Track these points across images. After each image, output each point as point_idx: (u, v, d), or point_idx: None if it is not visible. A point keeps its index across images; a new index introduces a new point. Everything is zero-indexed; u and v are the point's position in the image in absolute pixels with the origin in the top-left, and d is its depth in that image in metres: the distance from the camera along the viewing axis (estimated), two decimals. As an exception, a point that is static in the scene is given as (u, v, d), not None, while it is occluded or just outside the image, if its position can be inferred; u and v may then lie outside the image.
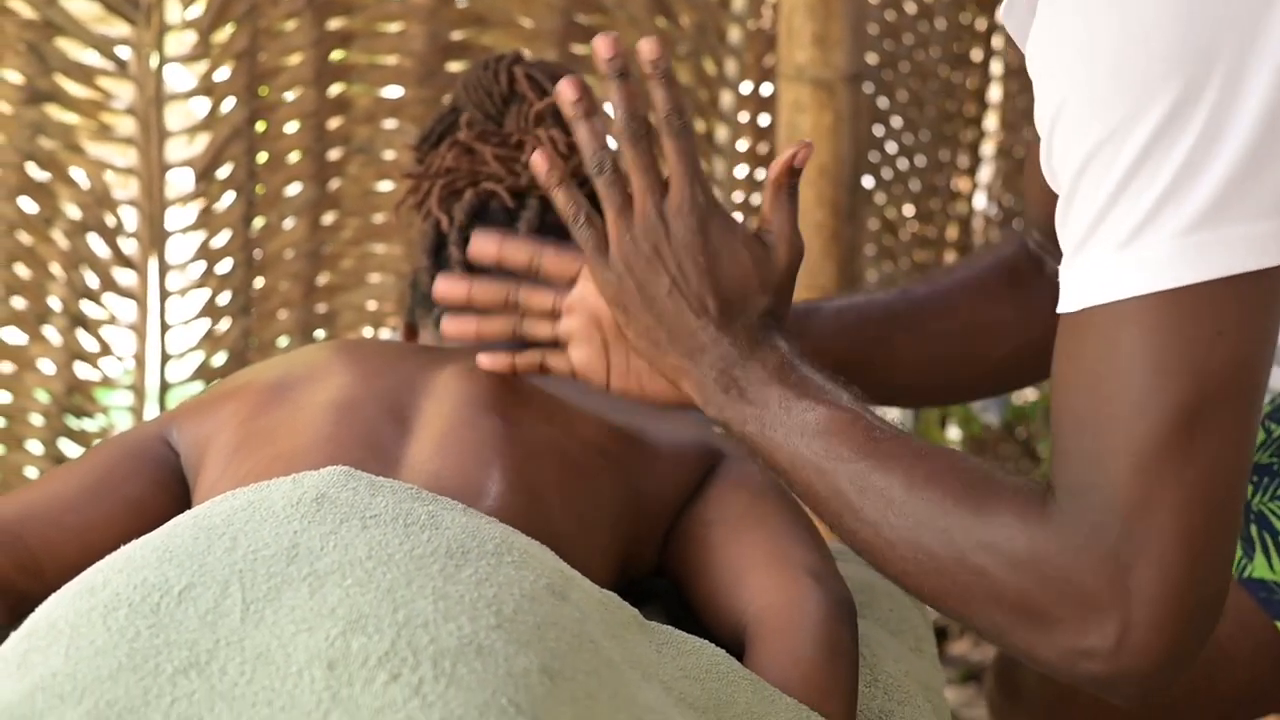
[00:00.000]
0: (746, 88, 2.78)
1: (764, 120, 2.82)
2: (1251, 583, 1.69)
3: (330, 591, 1.05)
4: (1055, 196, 1.51)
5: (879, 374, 1.60)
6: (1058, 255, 1.57)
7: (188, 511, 1.22)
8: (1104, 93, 1.14)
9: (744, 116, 2.79)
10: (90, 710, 0.98)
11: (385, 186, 2.47)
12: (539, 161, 1.42)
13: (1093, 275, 1.17)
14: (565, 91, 1.40)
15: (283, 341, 2.48)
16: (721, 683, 1.24)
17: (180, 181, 2.32)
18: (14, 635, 1.10)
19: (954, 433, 3.37)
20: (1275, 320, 1.17)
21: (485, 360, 1.49)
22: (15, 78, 2.18)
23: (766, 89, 2.80)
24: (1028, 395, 3.41)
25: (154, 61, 2.23)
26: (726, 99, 2.74)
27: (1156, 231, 1.13)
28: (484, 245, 1.50)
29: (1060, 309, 1.21)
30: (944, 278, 1.72)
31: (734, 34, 2.72)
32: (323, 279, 2.49)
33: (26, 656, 1.04)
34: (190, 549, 1.11)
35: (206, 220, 2.35)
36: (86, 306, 2.31)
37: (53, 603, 1.12)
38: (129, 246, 2.31)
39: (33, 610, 1.15)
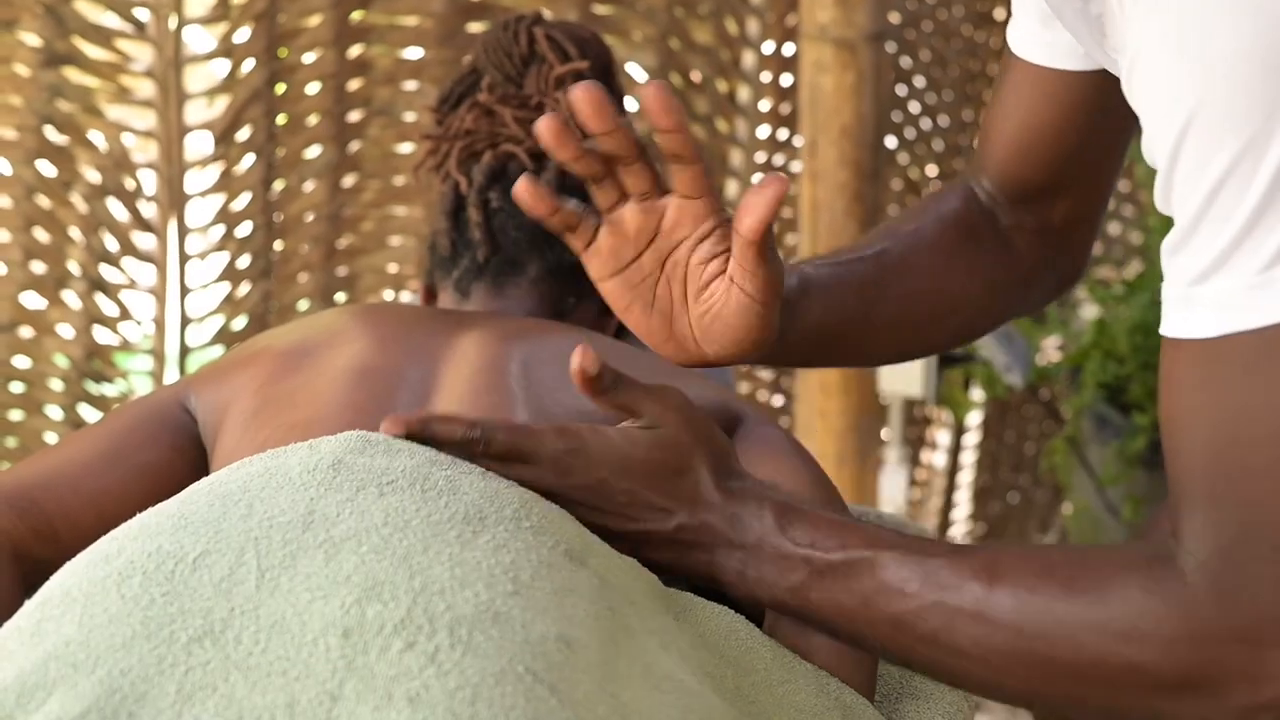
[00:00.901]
0: (769, 47, 2.77)
1: (786, 80, 2.80)
2: None
3: (346, 558, 1.04)
4: (1020, 147, 1.52)
5: (854, 343, 1.57)
6: (1008, 208, 1.59)
7: (203, 479, 1.21)
8: (1242, 102, 1.04)
9: (766, 76, 2.78)
10: (104, 679, 0.97)
11: (406, 148, 2.46)
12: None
13: (1229, 298, 1.05)
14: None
15: (303, 305, 2.47)
16: (741, 649, 1.23)
17: (199, 144, 2.31)
18: (28, 603, 1.09)
19: (977, 394, 3.36)
20: None
21: (526, 192, 1.30)
22: (33, 40, 2.18)
23: (789, 49, 2.78)
24: (1051, 356, 3.39)
25: (173, 23, 2.22)
26: (749, 59, 2.73)
27: None
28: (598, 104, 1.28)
29: (1177, 334, 1.10)
30: (905, 235, 1.63)
31: (756, -6, 2.71)
32: (343, 242, 2.48)
33: (40, 625, 1.04)
34: (205, 516, 1.10)
35: (226, 183, 2.35)
36: (106, 271, 2.30)
37: (67, 571, 1.11)
38: (148, 210, 2.31)
39: (48, 577, 1.14)
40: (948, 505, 3.48)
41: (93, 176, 2.26)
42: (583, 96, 1.25)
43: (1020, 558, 1.18)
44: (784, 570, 1.24)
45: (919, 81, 3.07)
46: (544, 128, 1.28)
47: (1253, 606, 1.06)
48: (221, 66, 2.32)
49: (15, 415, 2.33)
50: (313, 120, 2.40)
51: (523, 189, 1.30)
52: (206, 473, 1.42)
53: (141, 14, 2.21)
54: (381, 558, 1.04)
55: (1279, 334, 1.04)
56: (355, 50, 2.40)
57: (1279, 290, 1.03)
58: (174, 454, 1.43)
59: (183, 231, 2.32)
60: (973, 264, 1.59)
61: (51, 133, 2.22)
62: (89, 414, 2.35)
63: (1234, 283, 1.05)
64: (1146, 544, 1.14)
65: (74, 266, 2.29)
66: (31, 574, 1.31)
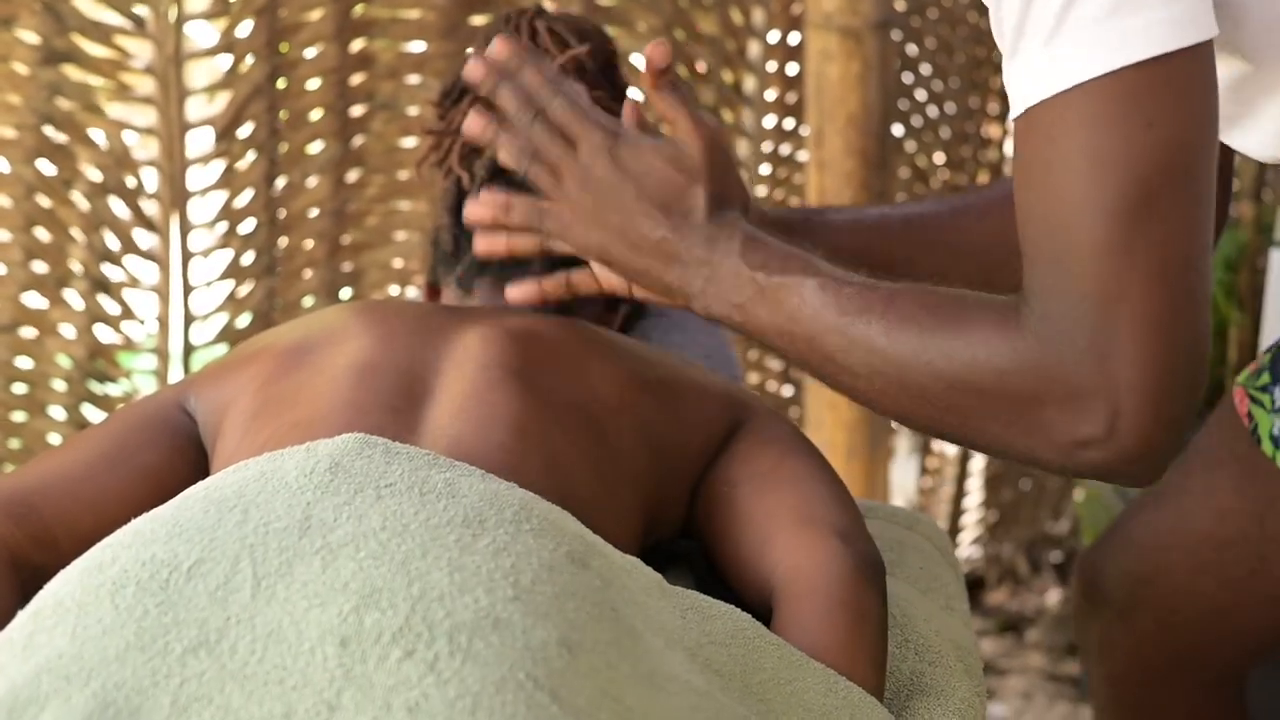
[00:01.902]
0: (774, 36, 2.75)
1: (792, 69, 2.79)
2: None
3: (343, 565, 1.03)
4: None
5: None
6: None
7: (199, 483, 1.20)
8: None
9: (772, 66, 2.76)
10: (97, 692, 0.96)
11: (409, 143, 2.45)
12: (472, 124, 1.51)
13: (1026, 76, 1.20)
14: (472, 73, 1.51)
15: (308, 301, 2.46)
16: (747, 648, 1.22)
17: (201, 141, 2.30)
18: (21, 614, 1.08)
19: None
20: (1208, 104, 1.21)
21: (514, 292, 1.58)
22: (32, 38, 2.16)
23: (794, 38, 2.76)
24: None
25: (173, 18, 2.21)
26: (754, 48, 2.71)
27: (1075, 20, 1.16)
28: (493, 245, 1.56)
29: (1010, 117, 1.24)
30: (955, 200, 1.76)
31: (761, -18, 2.69)
32: (347, 237, 2.47)
33: (33, 637, 1.03)
34: (200, 523, 1.09)
35: (228, 180, 2.33)
36: (108, 269, 2.29)
37: (60, 580, 1.10)
38: (150, 208, 2.29)
39: (46, 584, 1.13)
40: (959, 493, 3.46)
41: (94, 175, 2.25)
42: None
43: (912, 296, 1.32)
44: (736, 287, 1.40)
45: (925, 69, 3.04)
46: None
47: (1069, 352, 1.19)
48: (222, 62, 2.31)
49: (18, 416, 2.32)
50: (315, 115, 2.38)
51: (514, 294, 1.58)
52: (208, 474, 1.41)
53: (141, 10, 2.19)
54: (379, 564, 1.03)
55: (1058, 103, 1.18)
56: (357, 44, 2.38)
57: (1057, 62, 1.18)
58: (174, 456, 1.42)
59: (185, 229, 2.30)
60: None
61: (51, 131, 2.20)
62: (92, 414, 2.33)
63: (1026, 59, 1.20)
64: (1009, 297, 1.26)
65: (76, 266, 2.27)
66: (30, 580, 1.30)
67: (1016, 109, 1.23)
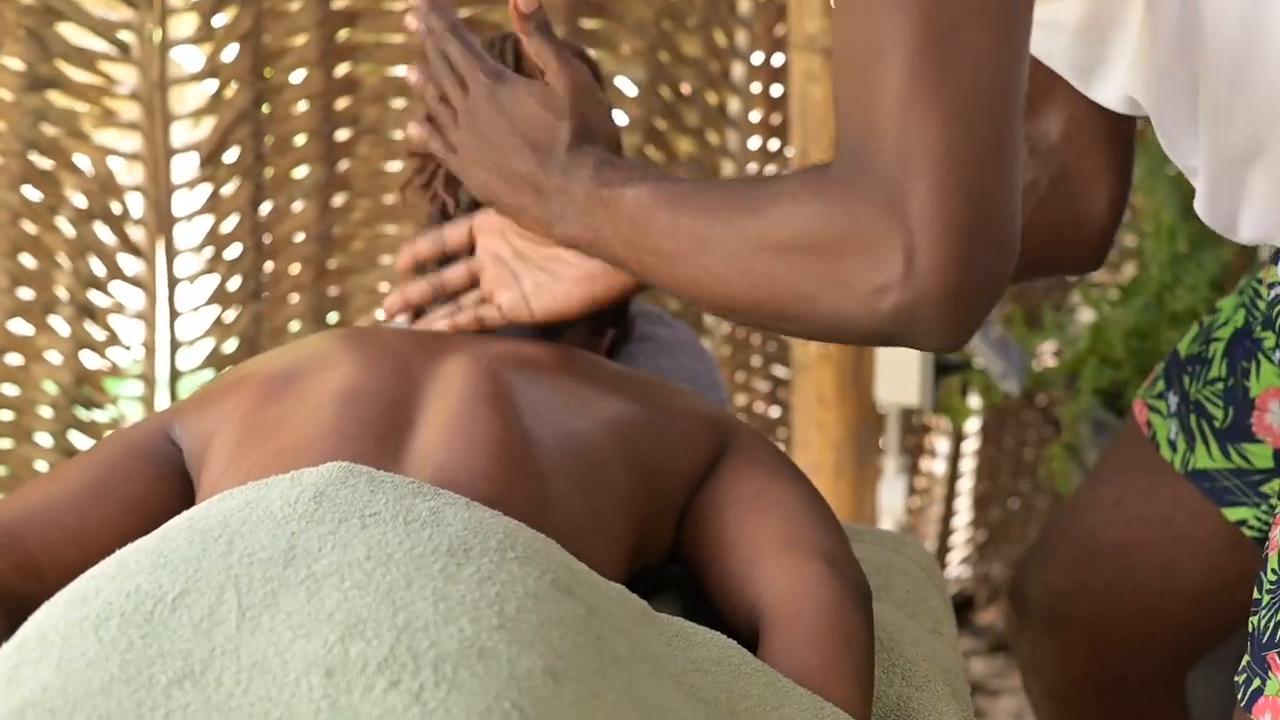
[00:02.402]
0: (758, 58, 2.75)
1: (776, 91, 2.79)
2: (1196, 475, 1.77)
3: (328, 595, 1.03)
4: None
5: None
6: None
7: (184, 513, 1.20)
8: None
9: (756, 87, 2.77)
10: (82, 725, 0.96)
11: (395, 167, 2.45)
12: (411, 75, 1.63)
13: None
14: (409, 24, 1.62)
15: (294, 326, 2.45)
16: (733, 675, 1.21)
17: (186, 166, 2.30)
18: (6, 646, 1.07)
19: (975, 401, 3.35)
20: None
21: (442, 324, 1.67)
22: (16, 64, 2.16)
23: (778, 59, 2.77)
24: (1047, 362, 3.38)
25: (157, 43, 2.20)
26: (738, 70, 2.72)
27: None
28: (403, 260, 1.74)
29: None
30: None
31: (744, 5, 2.69)
32: (333, 262, 2.47)
33: (17, 670, 1.02)
34: (185, 553, 1.09)
35: (214, 205, 2.33)
36: (94, 295, 2.29)
37: (44, 612, 1.10)
38: (136, 233, 2.29)
39: (32, 614, 1.12)
40: (948, 513, 3.46)
41: (79, 200, 2.25)
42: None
43: (738, 180, 1.45)
44: (588, 208, 1.44)
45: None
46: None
47: (866, 193, 1.18)
48: (207, 87, 2.31)
49: (5, 443, 2.31)
50: (300, 140, 2.39)
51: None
52: (194, 502, 1.41)
53: (125, 36, 2.20)
54: (364, 594, 1.03)
55: None
56: (342, 69, 2.38)
57: None
58: (160, 485, 1.42)
59: (171, 254, 2.30)
60: None
61: (37, 157, 2.20)
62: (79, 441, 2.33)
63: None
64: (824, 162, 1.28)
65: (62, 292, 2.27)
66: (15, 611, 1.29)
67: None
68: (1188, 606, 1.86)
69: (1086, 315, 3.34)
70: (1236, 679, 1.44)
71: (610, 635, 1.10)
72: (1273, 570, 1.43)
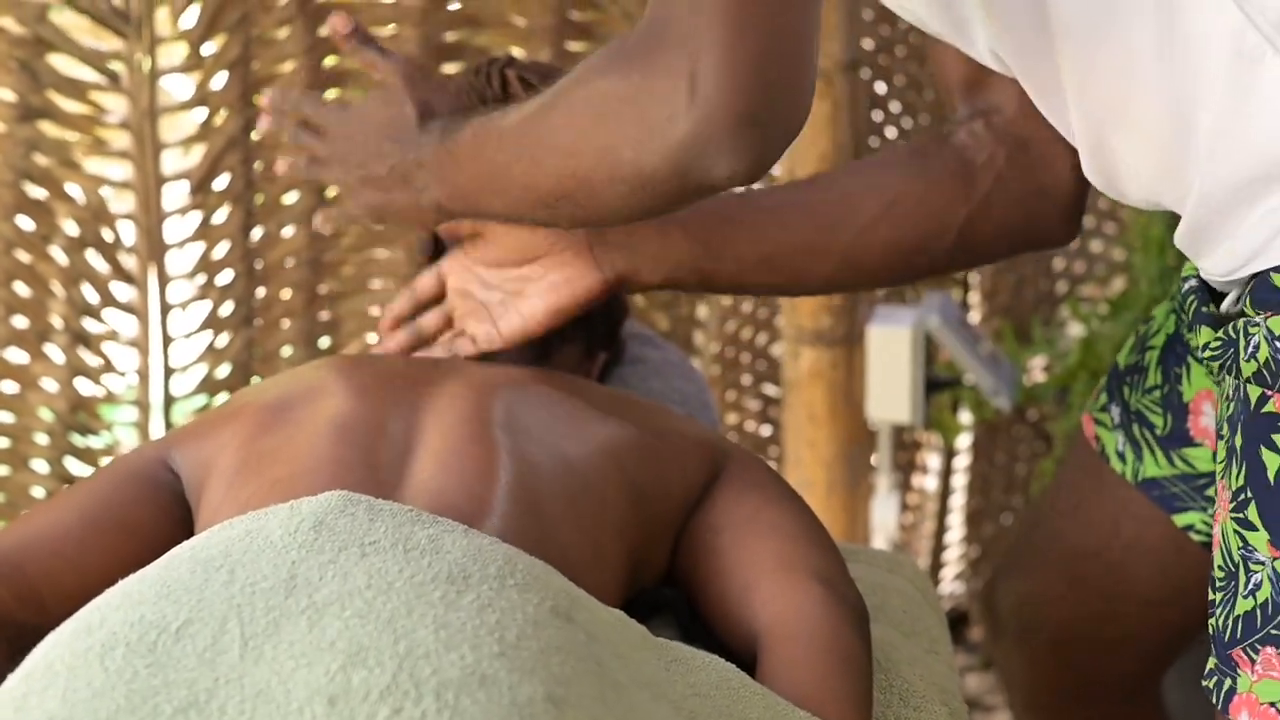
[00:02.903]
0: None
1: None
2: (1146, 484, 1.78)
3: (330, 624, 1.04)
4: (946, 50, 1.60)
5: (797, 267, 1.69)
6: (963, 122, 1.67)
7: (185, 543, 1.21)
8: None
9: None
10: (88, 756, 0.97)
11: (384, 191, 2.45)
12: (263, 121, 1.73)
13: None
14: (261, 126, 1.75)
15: (286, 351, 2.46)
16: (732, 698, 1.22)
17: (177, 194, 2.31)
18: (12, 676, 1.08)
19: (966, 417, 3.36)
20: None
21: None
22: (7, 95, 2.17)
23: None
24: (1038, 377, 3.39)
25: (146, 73, 2.21)
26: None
27: None
28: (384, 323, 1.77)
29: None
30: (847, 167, 1.86)
31: (730, 25, 2.70)
32: (324, 287, 2.47)
33: (25, 699, 1.03)
34: (188, 583, 1.10)
35: (205, 232, 2.34)
36: (88, 323, 2.29)
37: (50, 642, 1.11)
38: (128, 261, 2.30)
39: (32, 643, 1.13)
40: (940, 529, 3.47)
41: (71, 229, 2.25)
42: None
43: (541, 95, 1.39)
44: (440, 165, 1.50)
45: (894, 107, 3.06)
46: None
47: (655, 25, 1.23)
48: (197, 115, 2.32)
49: (1, 470, 2.32)
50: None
51: None
52: (191, 531, 1.41)
53: (115, 66, 2.21)
54: (365, 622, 1.04)
55: None
56: (330, 95, 2.39)
57: None
58: (159, 513, 1.42)
59: (163, 281, 2.31)
60: (914, 166, 1.68)
61: (29, 186, 2.21)
62: (75, 467, 2.34)
63: None
64: None
65: (56, 320, 2.28)
66: (16, 640, 1.30)
67: None
68: (1146, 611, 1.87)
69: (1076, 330, 3.36)
70: (1206, 684, 1.44)
71: (610, 661, 1.11)
72: (1219, 568, 1.45)
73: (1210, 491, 1.74)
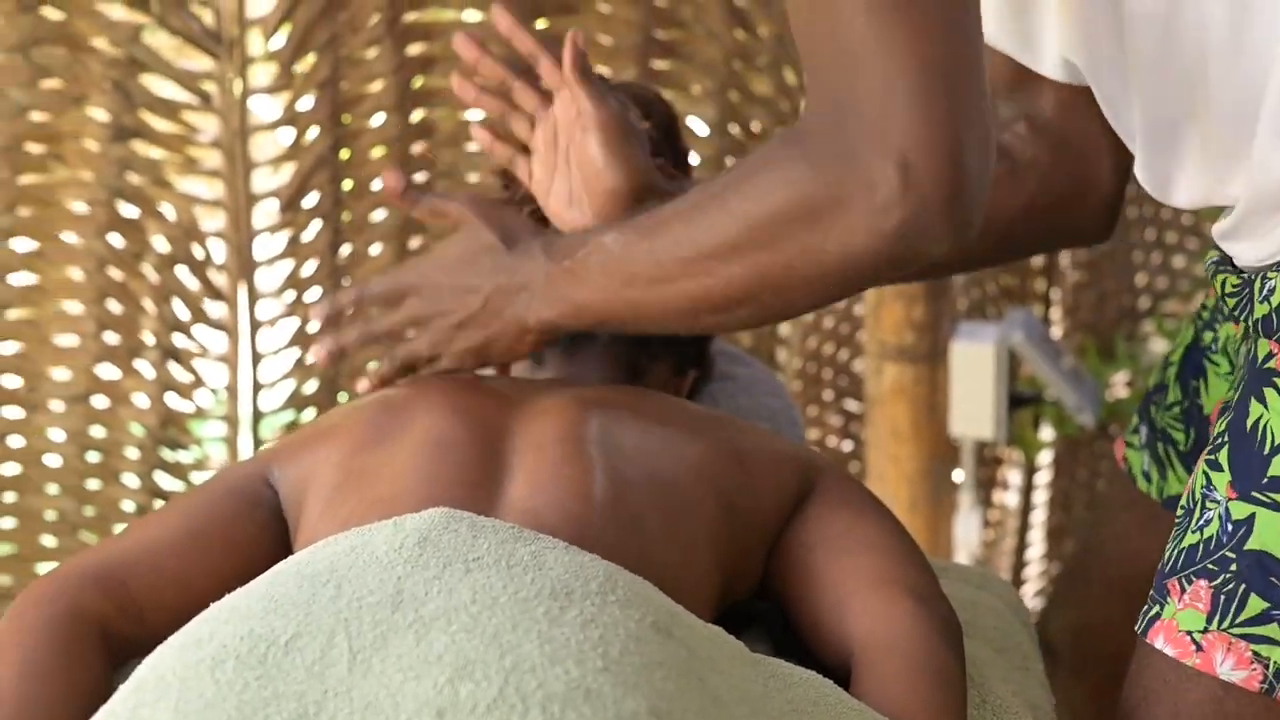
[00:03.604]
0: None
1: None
2: (1170, 501, 1.79)
3: (436, 638, 1.05)
4: (1004, 66, 1.61)
5: None
6: (1001, 119, 1.68)
7: (290, 558, 1.22)
8: None
9: (826, 125, 2.77)
10: (202, 767, 0.98)
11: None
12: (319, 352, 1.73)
13: None
14: (317, 355, 1.74)
15: (373, 367, 2.48)
16: (830, 715, 1.22)
17: (267, 212, 2.33)
18: (122, 689, 1.10)
19: (1047, 433, 3.35)
20: None
21: (478, 132, 1.77)
22: (101, 115, 2.20)
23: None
24: (1120, 393, 3.38)
25: (238, 93, 2.24)
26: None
27: None
28: (501, 19, 1.69)
29: None
30: None
31: (814, 43, 2.70)
32: (410, 303, 2.49)
33: (136, 711, 1.04)
34: (295, 598, 1.11)
35: (294, 249, 2.36)
36: (178, 339, 2.32)
37: (159, 655, 1.12)
38: (218, 278, 2.33)
39: (132, 655, 1.15)
40: (1021, 545, 3.47)
41: (163, 247, 2.28)
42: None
43: (704, 184, 1.38)
44: (552, 285, 1.49)
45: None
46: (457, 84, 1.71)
47: (848, 126, 1.22)
48: (286, 134, 2.34)
49: (93, 484, 2.35)
50: (378, 184, 2.42)
51: (476, 131, 1.73)
52: (289, 547, 1.43)
53: (207, 86, 2.24)
54: (471, 636, 1.05)
55: None
56: (418, 115, 2.41)
57: None
58: (258, 530, 1.44)
59: (253, 298, 2.34)
60: None
61: (122, 205, 2.24)
62: (165, 481, 2.37)
63: None
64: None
65: (147, 336, 2.31)
66: (119, 653, 1.32)
67: None
68: None
69: (1159, 345, 3.35)
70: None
71: (710, 676, 1.12)
72: (1180, 509, 1.47)
73: None
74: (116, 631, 1.35)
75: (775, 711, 1.18)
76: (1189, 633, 1.39)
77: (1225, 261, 1.52)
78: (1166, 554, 1.46)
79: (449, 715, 0.99)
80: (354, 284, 1.68)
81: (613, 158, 1.60)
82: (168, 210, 2.27)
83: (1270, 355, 1.39)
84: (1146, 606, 1.45)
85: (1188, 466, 1.77)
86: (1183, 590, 1.41)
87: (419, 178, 2.44)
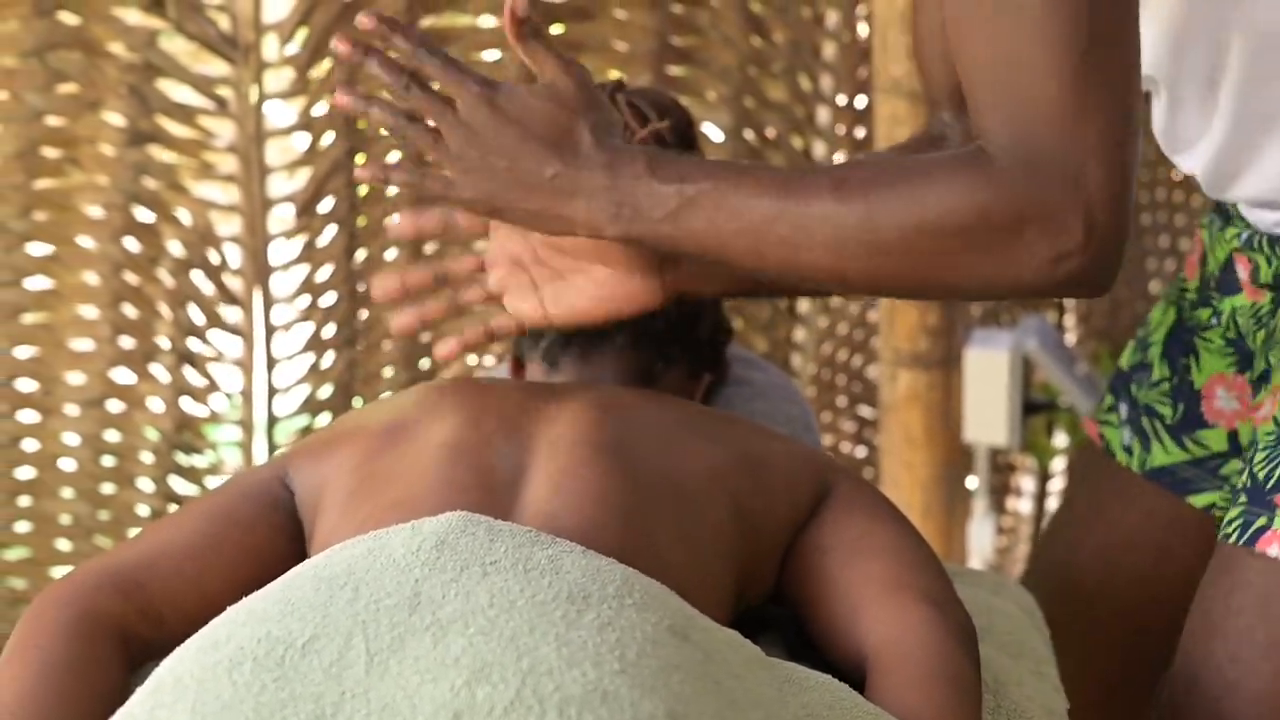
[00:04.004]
0: (842, 101, 2.77)
1: (860, 134, 2.81)
2: (1155, 472, 1.86)
3: (454, 641, 1.05)
4: (944, 50, 1.67)
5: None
6: (959, 124, 1.72)
7: (307, 561, 1.22)
8: None
9: (841, 130, 2.78)
10: (219, 768, 0.99)
11: (486, 214, 2.47)
12: (340, 97, 1.50)
13: None
14: (339, 47, 1.47)
15: (388, 372, 2.49)
16: (846, 719, 1.23)
17: (282, 217, 2.34)
18: (140, 691, 1.10)
19: (1061, 440, 3.35)
20: None
21: (442, 349, 1.66)
22: (117, 120, 2.21)
23: (861, 101, 2.78)
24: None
25: (254, 99, 2.25)
26: (823, 115, 2.73)
27: None
28: (402, 226, 1.66)
29: None
30: (844, 165, 1.80)
31: (828, 49, 2.71)
32: (426, 309, 2.49)
33: (153, 713, 1.05)
34: (312, 600, 1.12)
35: (309, 254, 2.37)
36: (193, 343, 2.33)
37: (176, 657, 1.12)
38: (233, 283, 2.33)
39: (150, 657, 1.15)
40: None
41: (178, 251, 2.29)
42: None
43: (861, 164, 1.41)
44: (655, 203, 1.42)
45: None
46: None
47: (1045, 173, 1.30)
48: (302, 139, 2.35)
49: (107, 488, 2.36)
50: (393, 189, 2.42)
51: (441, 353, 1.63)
52: (306, 550, 1.43)
53: (223, 91, 2.24)
54: (489, 639, 1.05)
55: None
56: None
57: None
58: (274, 533, 1.44)
59: (268, 303, 2.34)
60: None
61: (138, 209, 2.25)
62: (180, 486, 2.37)
63: None
64: (959, 149, 1.36)
65: (162, 340, 2.32)
66: (137, 655, 1.32)
67: None
68: (1190, 588, 1.89)
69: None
70: (1226, 530, 1.55)
71: (726, 680, 1.12)
72: (1267, 434, 1.56)
73: (1224, 470, 1.81)
74: (134, 634, 1.36)
75: (790, 715, 1.18)
76: None
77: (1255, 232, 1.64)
78: (1258, 473, 1.54)
79: (466, 717, 0.99)
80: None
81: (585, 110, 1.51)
82: (183, 215, 2.28)
83: None
84: (1241, 521, 1.54)
85: (1176, 438, 1.84)
86: None
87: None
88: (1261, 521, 1.51)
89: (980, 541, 2.91)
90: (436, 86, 1.47)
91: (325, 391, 2.44)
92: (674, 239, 1.43)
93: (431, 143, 1.48)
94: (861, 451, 3.08)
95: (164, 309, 2.30)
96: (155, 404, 2.34)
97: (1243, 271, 1.69)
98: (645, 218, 1.43)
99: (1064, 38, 1.28)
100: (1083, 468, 2.01)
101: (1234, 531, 1.54)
